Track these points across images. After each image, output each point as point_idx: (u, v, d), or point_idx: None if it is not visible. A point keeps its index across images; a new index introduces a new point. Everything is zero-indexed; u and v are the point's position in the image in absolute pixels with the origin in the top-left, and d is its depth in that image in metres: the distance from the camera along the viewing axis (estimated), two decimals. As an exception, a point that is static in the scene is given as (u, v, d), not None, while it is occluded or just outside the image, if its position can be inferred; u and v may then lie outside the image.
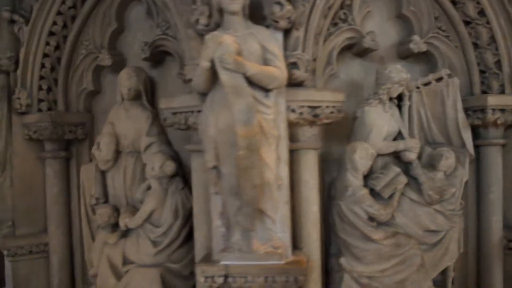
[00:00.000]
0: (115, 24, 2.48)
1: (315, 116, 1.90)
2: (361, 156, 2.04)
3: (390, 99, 2.17)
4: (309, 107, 1.88)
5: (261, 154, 1.64)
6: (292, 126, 1.87)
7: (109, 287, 2.22)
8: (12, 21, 2.53)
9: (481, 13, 2.20)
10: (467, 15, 2.23)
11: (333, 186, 2.11)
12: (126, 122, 2.34)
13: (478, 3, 2.19)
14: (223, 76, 1.61)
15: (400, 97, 2.22)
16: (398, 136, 2.22)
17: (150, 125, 2.31)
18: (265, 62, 1.72)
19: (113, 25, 2.48)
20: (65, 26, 2.49)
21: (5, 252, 2.48)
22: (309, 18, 1.87)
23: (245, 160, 1.62)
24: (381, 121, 2.14)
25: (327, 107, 1.91)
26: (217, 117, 1.67)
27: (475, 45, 2.27)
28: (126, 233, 2.28)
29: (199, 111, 1.89)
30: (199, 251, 2.00)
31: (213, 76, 1.66)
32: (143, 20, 2.46)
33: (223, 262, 1.76)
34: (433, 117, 2.27)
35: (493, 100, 2.17)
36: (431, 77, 2.22)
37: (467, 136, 2.22)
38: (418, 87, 2.24)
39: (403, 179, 2.11)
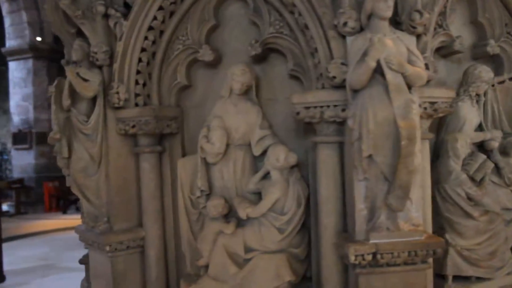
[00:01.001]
0: (213, 20, 2.63)
1: (434, 110, 2.22)
2: (462, 145, 2.41)
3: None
4: (430, 102, 2.21)
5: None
6: (417, 119, 2.18)
7: (229, 274, 2.39)
8: (105, 15, 2.59)
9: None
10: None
11: (435, 172, 2.46)
12: (236, 116, 2.50)
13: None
14: (388, 75, 1.88)
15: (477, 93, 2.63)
16: (478, 128, 2.62)
17: (262, 119, 2.51)
18: (410, 63, 2.01)
19: (211, 21, 2.63)
20: (163, 21, 2.60)
21: (106, 248, 2.54)
22: (431, 24, 2.19)
23: (405, 149, 1.90)
24: (471, 115, 2.52)
25: (443, 102, 2.25)
26: (375, 112, 1.94)
27: (538, 49, 2.72)
28: (239, 222, 2.48)
29: (335, 106, 2.15)
30: (329, 235, 2.24)
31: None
32: (241, 17, 2.64)
33: (372, 241, 2.04)
34: (504, 111, 2.70)
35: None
36: (506, 76, 2.64)
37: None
38: (493, 85, 2.66)
39: (490, 164, 2.51)
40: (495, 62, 2.76)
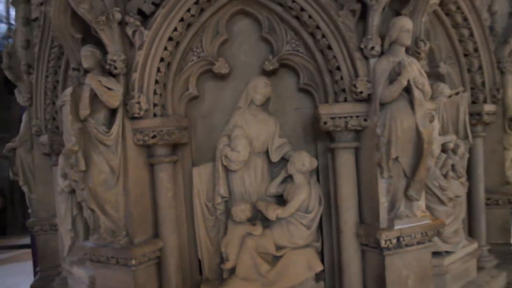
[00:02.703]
0: (225, 34, 2.89)
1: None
2: (437, 146, 3.13)
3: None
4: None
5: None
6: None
7: (261, 273, 2.69)
8: (122, 23, 2.64)
9: (476, 49, 3.57)
10: (467, 50, 3.57)
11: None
12: (257, 126, 2.82)
13: (475, 42, 3.55)
14: (416, 92, 2.45)
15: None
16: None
17: (279, 129, 2.86)
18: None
19: (224, 35, 2.88)
20: (181, 32, 2.76)
21: (132, 262, 2.58)
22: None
23: (426, 151, 2.49)
24: (436, 122, 3.27)
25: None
26: (402, 121, 2.48)
27: (469, 70, 3.63)
28: (265, 223, 2.79)
29: (358, 116, 2.63)
30: (350, 227, 2.71)
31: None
32: (250, 33, 2.95)
33: (396, 227, 2.57)
34: (450, 119, 3.53)
35: (487, 107, 3.57)
36: (453, 91, 3.47)
37: (469, 131, 3.55)
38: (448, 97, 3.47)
39: (450, 161, 3.28)
40: (440, 80, 3.60)
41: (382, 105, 2.55)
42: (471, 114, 3.61)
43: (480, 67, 3.60)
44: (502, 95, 3.68)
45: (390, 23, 2.57)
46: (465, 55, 3.59)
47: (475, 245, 3.49)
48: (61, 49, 3.44)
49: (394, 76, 2.52)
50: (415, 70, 2.49)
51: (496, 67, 3.65)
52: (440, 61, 3.48)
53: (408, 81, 2.46)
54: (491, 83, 3.63)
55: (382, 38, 2.60)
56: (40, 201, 3.94)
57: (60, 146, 3.55)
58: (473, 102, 3.66)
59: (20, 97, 3.95)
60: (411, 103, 2.50)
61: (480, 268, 3.58)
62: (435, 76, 3.49)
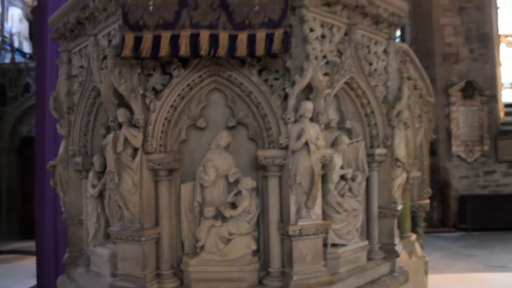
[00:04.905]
0: (204, 103, 4.98)
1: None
2: (337, 176, 5.23)
3: (341, 150, 5.46)
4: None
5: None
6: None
7: (219, 249, 4.74)
8: (143, 95, 4.73)
9: (373, 112, 5.70)
10: (366, 112, 5.71)
11: (323, 189, 5.22)
12: (221, 160, 4.85)
13: (371, 107, 5.69)
14: (311, 146, 4.54)
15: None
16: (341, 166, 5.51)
17: (235, 162, 4.95)
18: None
19: (203, 103, 4.97)
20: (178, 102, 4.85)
21: (142, 239, 4.62)
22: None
23: (317, 180, 4.58)
24: (339, 160, 5.37)
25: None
26: (303, 162, 4.58)
27: (368, 125, 5.75)
28: (223, 218, 4.85)
29: (280, 158, 4.71)
30: (274, 223, 4.77)
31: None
32: (220, 101, 5.02)
33: (299, 224, 4.64)
34: (352, 158, 5.64)
35: (379, 151, 5.70)
36: (353, 140, 5.59)
37: (366, 166, 5.66)
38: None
39: (347, 186, 5.38)
40: (348, 132, 5.72)
41: (293, 152, 4.64)
42: (369, 155, 5.73)
43: (376, 124, 5.73)
44: (391, 142, 5.82)
45: (300, 104, 4.69)
46: (365, 115, 5.73)
47: (365, 242, 5.58)
48: (94, 100, 5.57)
49: (300, 135, 4.63)
50: (311, 133, 4.58)
51: (387, 124, 5.80)
52: (347, 120, 5.61)
53: (306, 140, 4.56)
54: (382, 135, 5.77)
55: (296, 111, 4.72)
56: (71, 203, 6.00)
57: (89, 165, 5.65)
58: (371, 147, 5.79)
59: (61, 129, 6.01)
60: (309, 152, 4.60)
61: (371, 259, 5.68)
62: (344, 129, 5.63)
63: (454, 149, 20.32)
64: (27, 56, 24.51)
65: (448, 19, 20.42)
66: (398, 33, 23.74)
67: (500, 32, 21.29)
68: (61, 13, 5.91)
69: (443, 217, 20.27)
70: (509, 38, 21.57)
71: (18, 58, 22.95)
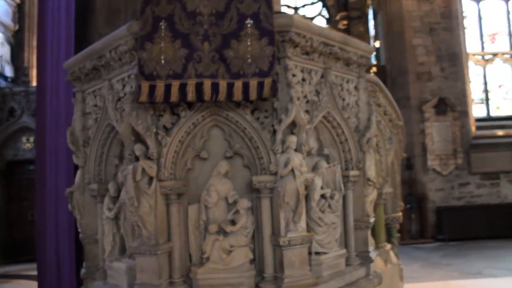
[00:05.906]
0: (206, 137, 6.12)
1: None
2: (316, 195, 6.40)
3: (320, 173, 6.64)
4: (305, 179, 6.16)
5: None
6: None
7: (222, 259, 5.84)
8: (155, 133, 5.84)
9: (346, 140, 6.92)
10: (341, 140, 6.92)
11: (307, 205, 6.38)
12: (221, 185, 5.97)
13: (345, 136, 6.91)
14: (296, 172, 5.70)
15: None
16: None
17: (233, 186, 6.08)
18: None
19: (205, 138, 6.11)
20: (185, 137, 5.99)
21: (158, 252, 5.70)
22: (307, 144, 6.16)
23: (301, 199, 5.74)
24: (319, 181, 6.55)
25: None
26: (290, 185, 5.73)
27: (343, 151, 6.96)
28: (225, 233, 5.96)
29: (270, 182, 5.86)
30: (268, 236, 5.90)
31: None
32: (219, 135, 6.16)
33: (288, 236, 5.78)
34: (330, 179, 6.82)
35: (353, 172, 6.91)
36: (331, 164, 6.78)
37: (342, 186, 6.85)
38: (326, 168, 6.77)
39: (326, 204, 6.55)
40: (326, 158, 6.91)
41: (282, 177, 5.79)
42: (344, 176, 6.92)
43: (349, 150, 6.94)
44: (362, 165, 7.04)
45: (286, 137, 5.86)
46: (340, 142, 6.95)
47: (344, 250, 6.73)
48: (108, 135, 6.67)
49: (287, 163, 5.79)
50: (296, 161, 5.74)
51: (359, 149, 7.02)
52: (325, 147, 6.81)
53: (292, 167, 5.73)
54: (355, 159, 6.98)
55: (283, 143, 5.89)
56: (87, 224, 7.04)
57: (104, 191, 6.73)
58: (346, 169, 6.99)
59: (78, 160, 7.07)
60: (294, 177, 5.77)
61: (349, 265, 6.85)
62: (323, 155, 6.83)
63: (429, 163, 21.85)
64: (9, 80, 25.32)
65: (420, 40, 22.12)
66: (374, 53, 25.51)
67: (468, 51, 23.06)
68: (77, 59, 7.02)
69: (422, 228, 21.70)
70: (476, 57, 23.38)
71: (1, 83, 23.79)
